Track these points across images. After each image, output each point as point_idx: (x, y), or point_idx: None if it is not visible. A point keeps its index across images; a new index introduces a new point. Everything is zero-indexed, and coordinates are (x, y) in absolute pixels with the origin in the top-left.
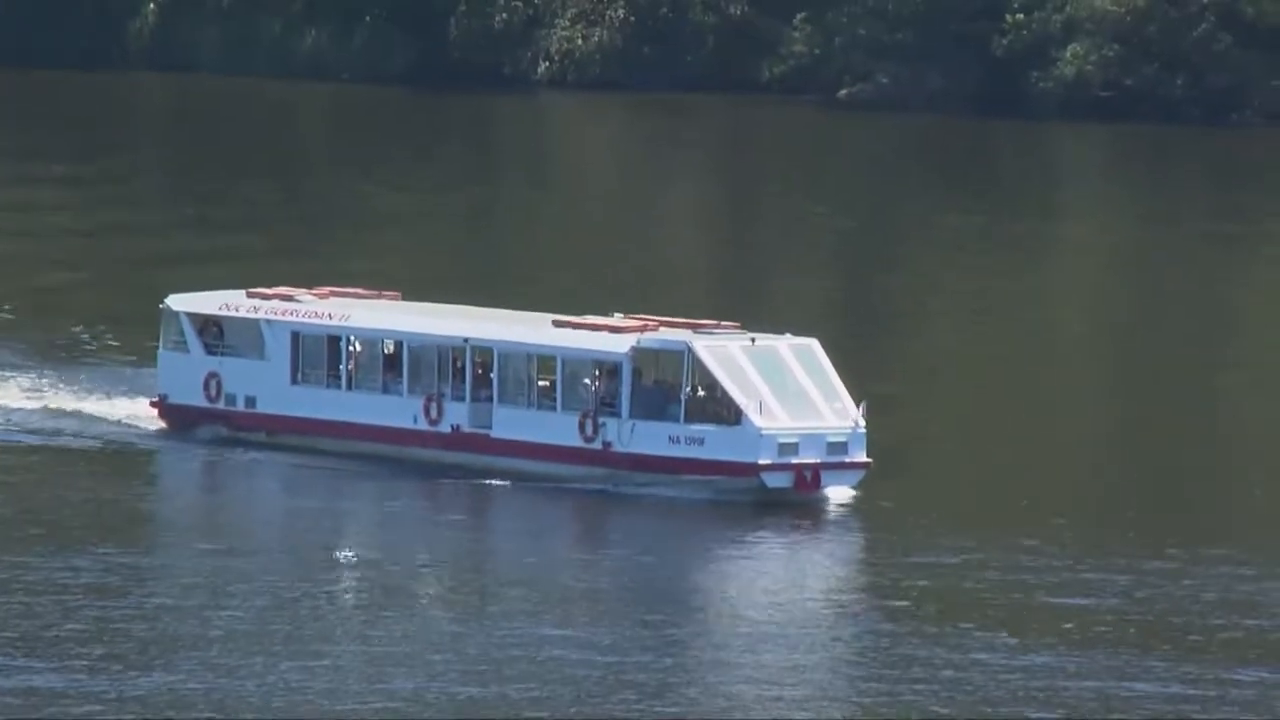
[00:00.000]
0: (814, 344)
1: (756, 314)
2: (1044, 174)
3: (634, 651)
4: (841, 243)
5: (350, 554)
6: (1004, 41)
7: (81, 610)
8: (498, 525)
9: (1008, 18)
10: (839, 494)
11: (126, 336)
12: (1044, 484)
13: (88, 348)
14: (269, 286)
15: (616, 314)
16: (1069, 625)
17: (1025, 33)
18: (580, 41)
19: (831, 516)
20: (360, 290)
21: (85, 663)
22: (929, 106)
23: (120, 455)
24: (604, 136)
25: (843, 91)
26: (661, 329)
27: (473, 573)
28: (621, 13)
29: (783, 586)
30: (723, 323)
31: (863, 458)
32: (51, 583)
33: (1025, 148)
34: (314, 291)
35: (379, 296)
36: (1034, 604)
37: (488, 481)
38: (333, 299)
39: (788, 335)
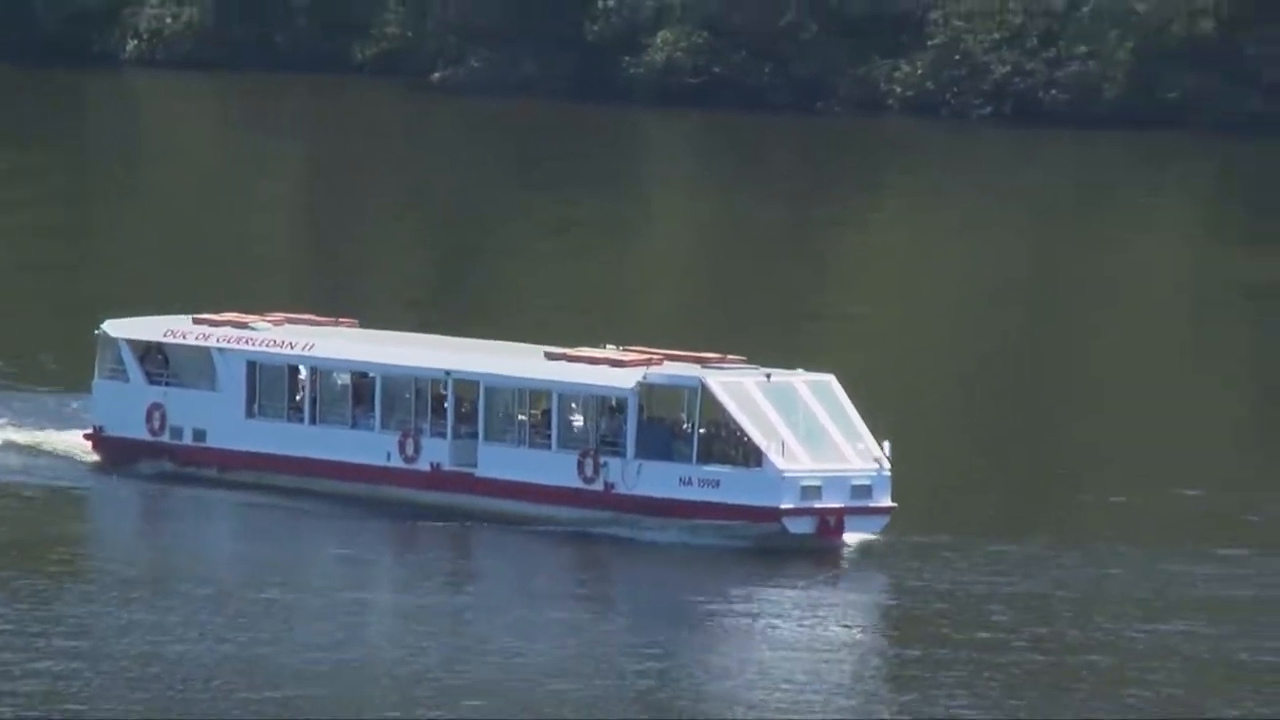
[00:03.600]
0: (831, 380)
1: (354, 304)
2: (632, 160)
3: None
4: (430, 228)
5: None
6: (595, 27)
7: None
8: (482, 571)
9: (599, 3)
10: (862, 540)
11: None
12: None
13: None
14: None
15: (609, 345)
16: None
17: (616, 19)
18: (170, 20)
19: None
20: (315, 317)
21: None
22: (523, 91)
23: (51, 491)
24: (189, 118)
25: (436, 75)
26: (666, 363)
27: (451, 626)
28: None
29: (801, 643)
30: (728, 356)
31: (888, 502)
32: None
33: (615, 134)
34: (267, 318)
35: (335, 324)
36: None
37: (471, 524)
38: (288, 326)
39: (801, 371)
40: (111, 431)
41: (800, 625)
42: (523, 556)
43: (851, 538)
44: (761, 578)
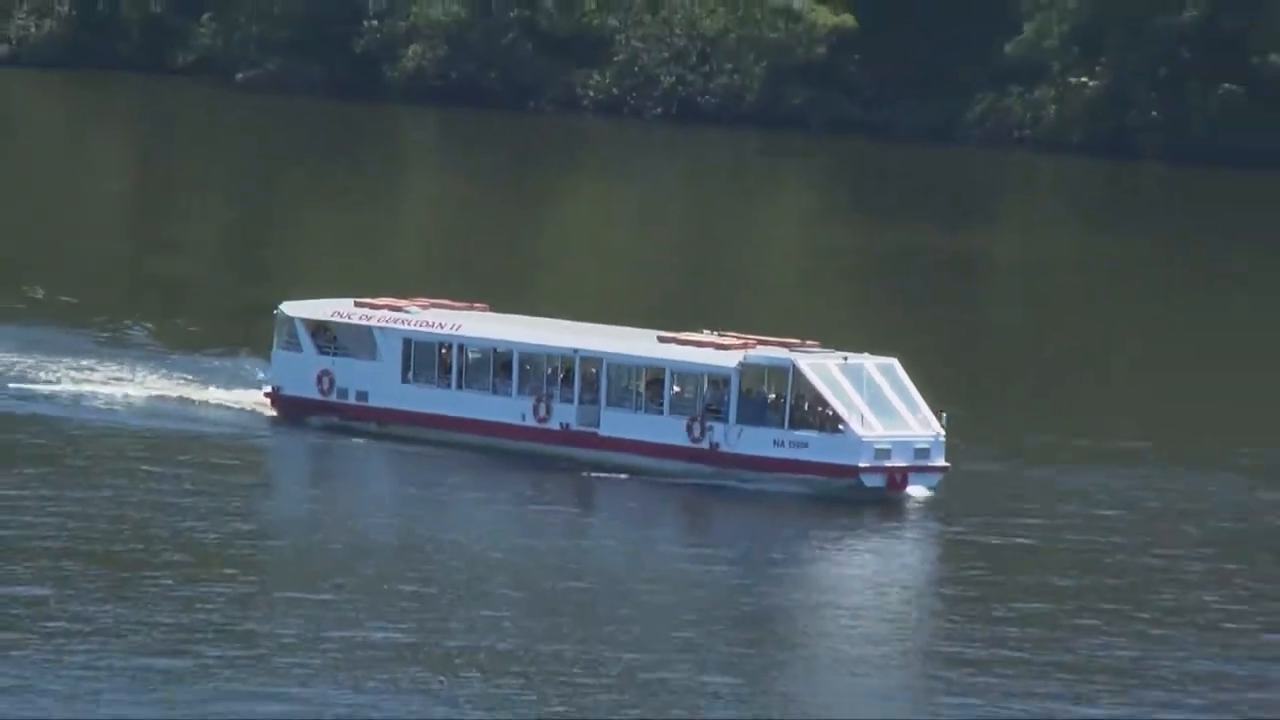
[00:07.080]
0: (895, 363)
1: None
2: (388, 145)
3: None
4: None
5: None
6: (362, 41)
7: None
8: (602, 516)
9: (364, 22)
10: (920, 493)
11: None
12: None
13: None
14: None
15: (706, 330)
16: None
17: (379, 35)
18: (34, 29)
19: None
20: (451, 301)
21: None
22: (310, 91)
23: (238, 439)
24: (44, 108)
25: (240, 75)
26: (759, 346)
27: (575, 563)
28: (66, 7)
29: (877, 576)
30: (807, 341)
31: (943, 462)
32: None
33: (377, 124)
34: (416, 302)
35: (470, 307)
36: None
37: (595, 475)
38: (433, 309)
39: (868, 355)
40: (288, 392)
41: (871, 563)
42: (639, 502)
43: (913, 491)
44: (841, 523)
